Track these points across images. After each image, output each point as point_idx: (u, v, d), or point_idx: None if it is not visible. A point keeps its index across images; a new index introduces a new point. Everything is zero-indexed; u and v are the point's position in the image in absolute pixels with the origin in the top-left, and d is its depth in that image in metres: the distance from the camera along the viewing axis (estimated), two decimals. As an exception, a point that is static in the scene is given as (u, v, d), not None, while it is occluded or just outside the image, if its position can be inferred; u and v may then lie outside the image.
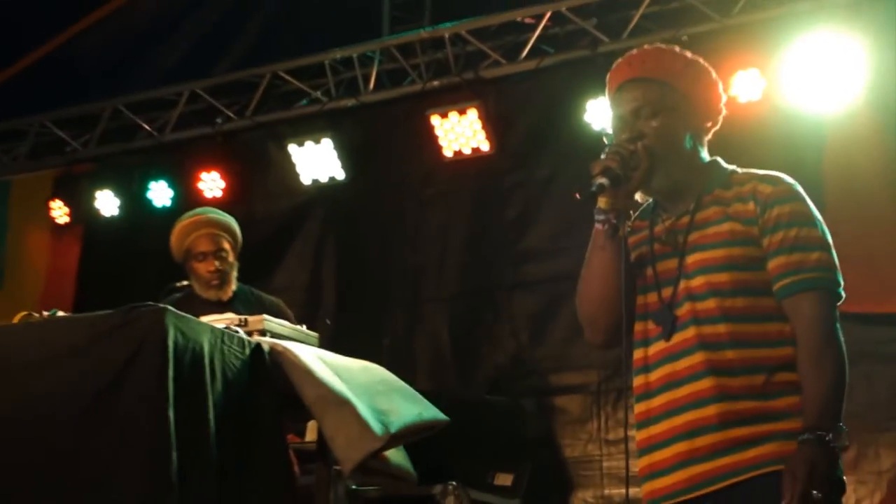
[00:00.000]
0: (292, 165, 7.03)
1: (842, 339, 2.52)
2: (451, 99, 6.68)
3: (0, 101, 7.84)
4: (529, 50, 6.60)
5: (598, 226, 2.67)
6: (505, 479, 5.08)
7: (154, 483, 3.24)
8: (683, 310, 2.60)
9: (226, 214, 5.02)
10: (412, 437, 4.06)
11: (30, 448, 3.39)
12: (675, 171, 2.70)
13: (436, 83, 6.84)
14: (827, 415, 2.43)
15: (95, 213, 7.61)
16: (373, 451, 3.76)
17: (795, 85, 5.85)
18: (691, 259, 2.63)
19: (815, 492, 2.31)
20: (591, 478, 5.96)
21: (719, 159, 2.77)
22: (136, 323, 3.36)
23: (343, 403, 3.75)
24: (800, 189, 2.62)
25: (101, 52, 7.68)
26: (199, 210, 5.09)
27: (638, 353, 2.71)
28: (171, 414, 3.28)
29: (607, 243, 2.67)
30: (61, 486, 3.30)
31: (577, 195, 2.61)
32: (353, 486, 4.61)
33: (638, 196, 2.75)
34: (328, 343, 4.40)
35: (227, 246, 4.86)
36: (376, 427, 3.77)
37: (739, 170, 2.72)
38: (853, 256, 5.42)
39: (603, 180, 2.57)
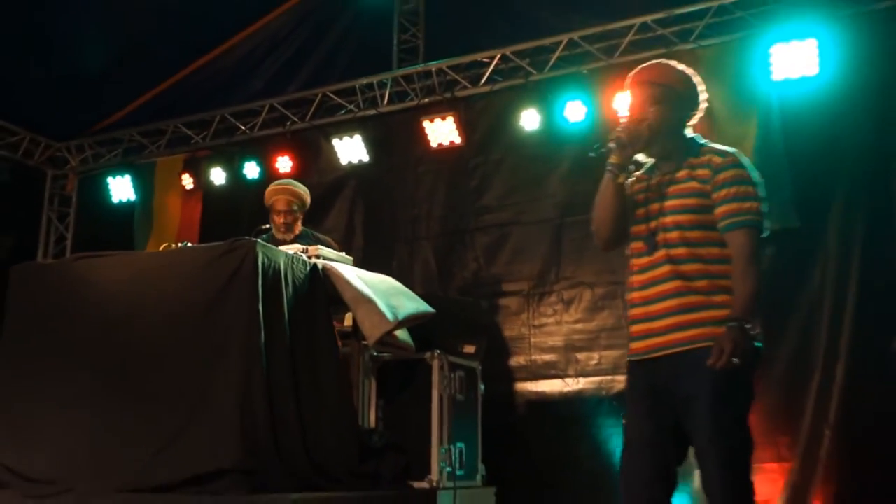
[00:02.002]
0: (335, 152, 6.96)
1: (760, 262, 2.51)
2: (436, 110, 6.61)
3: (149, 110, 7.79)
4: (486, 79, 6.54)
5: (607, 174, 2.66)
6: (470, 349, 5.10)
7: (249, 353, 3.28)
8: (660, 237, 2.60)
9: (299, 185, 4.96)
10: (412, 323, 4.09)
11: (172, 325, 3.42)
12: (667, 142, 2.68)
13: (426, 100, 6.76)
14: (748, 311, 2.44)
15: (210, 183, 7.51)
16: (387, 331, 3.80)
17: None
18: (668, 203, 2.61)
19: (735, 359, 2.34)
20: (522, 348, 5.99)
21: (697, 136, 2.75)
22: (238, 250, 3.40)
23: (368, 301, 3.78)
24: (743, 159, 2.61)
25: (213, 79, 7.61)
26: (283, 181, 5.02)
27: (633, 261, 2.69)
28: (259, 307, 3.31)
29: (610, 186, 2.66)
30: (193, 350, 3.35)
31: (592, 153, 2.67)
32: (374, 353, 4.65)
33: (643, 157, 2.74)
34: (359, 264, 4.43)
35: (294, 207, 4.81)
36: (390, 316, 3.80)
37: (709, 144, 2.71)
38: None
39: (612, 144, 2.61)
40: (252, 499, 3.00)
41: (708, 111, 5.47)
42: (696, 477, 5.44)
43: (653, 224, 2.63)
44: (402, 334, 4.20)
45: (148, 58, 7.15)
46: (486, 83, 6.58)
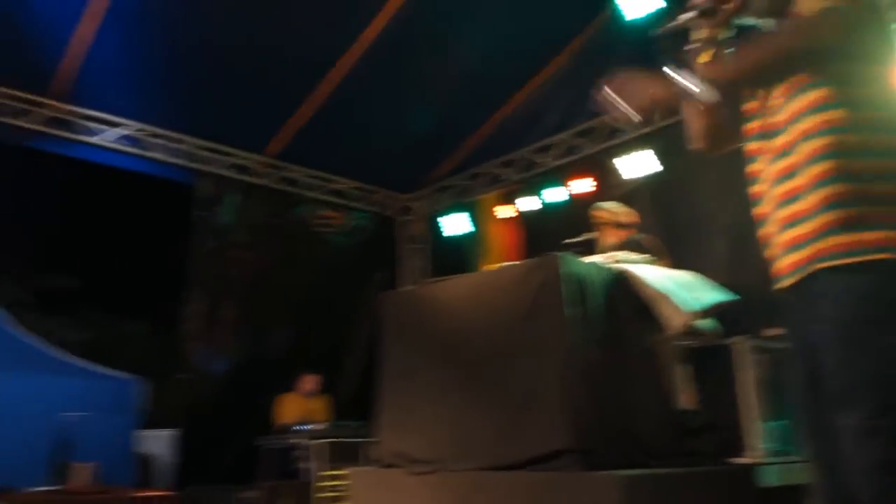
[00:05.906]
0: (621, 169, 6.83)
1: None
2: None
3: (467, 159, 8.19)
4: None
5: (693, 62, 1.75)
6: (773, 332, 4.63)
7: (564, 350, 3.25)
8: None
9: (605, 205, 4.83)
10: (712, 312, 3.81)
11: (501, 330, 3.51)
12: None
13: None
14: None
15: (528, 211, 7.72)
16: (685, 321, 3.59)
17: None
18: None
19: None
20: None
21: None
22: (545, 264, 3.41)
23: (662, 297, 3.61)
24: None
25: (514, 124, 7.71)
26: (601, 203, 4.90)
27: (751, 166, 1.83)
28: (565, 310, 3.28)
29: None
30: (519, 350, 3.39)
31: (656, 32, 1.81)
32: (680, 342, 4.41)
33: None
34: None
35: (597, 222, 4.71)
36: (688, 307, 3.59)
37: None
38: None
39: (691, 14, 1.79)
40: (587, 475, 2.97)
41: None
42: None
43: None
44: (705, 322, 3.93)
45: (459, 119, 7.52)
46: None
